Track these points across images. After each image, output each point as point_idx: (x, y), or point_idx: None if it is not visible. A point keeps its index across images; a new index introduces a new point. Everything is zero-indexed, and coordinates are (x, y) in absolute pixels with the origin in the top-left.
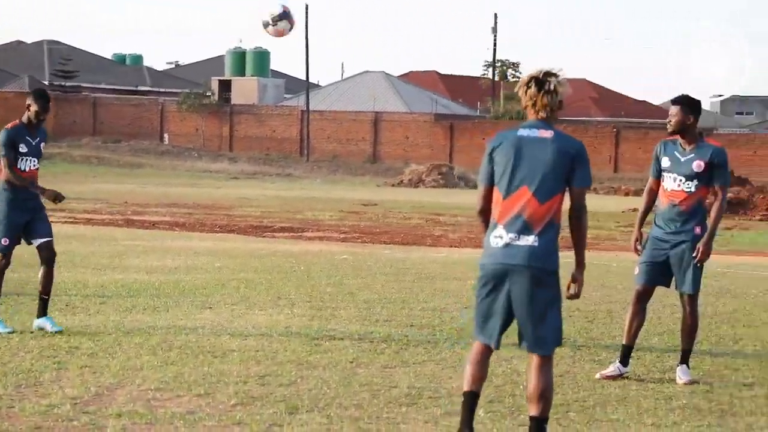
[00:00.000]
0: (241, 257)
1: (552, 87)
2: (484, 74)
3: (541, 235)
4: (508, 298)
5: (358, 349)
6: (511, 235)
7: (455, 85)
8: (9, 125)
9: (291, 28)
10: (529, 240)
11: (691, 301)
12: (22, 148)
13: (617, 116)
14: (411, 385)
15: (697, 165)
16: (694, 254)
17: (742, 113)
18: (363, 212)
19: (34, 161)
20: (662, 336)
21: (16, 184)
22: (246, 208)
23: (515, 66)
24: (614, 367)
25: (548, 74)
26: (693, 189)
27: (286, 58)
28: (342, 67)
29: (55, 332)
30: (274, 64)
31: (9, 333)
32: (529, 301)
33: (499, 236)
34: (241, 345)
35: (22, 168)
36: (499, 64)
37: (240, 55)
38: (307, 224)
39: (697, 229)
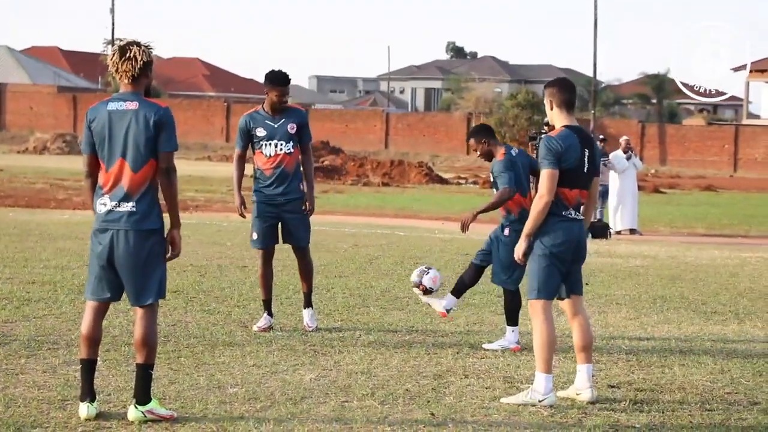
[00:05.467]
0: None
1: (132, 54)
2: (104, 51)
3: (139, 201)
4: (112, 258)
5: None
6: (113, 202)
7: (77, 60)
8: None
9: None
10: (128, 206)
11: (305, 251)
12: None
13: (228, 92)
14: (31, 338)
15: (291, 127)
16: (304, 208)
17: (335, 91)
18: None
19: None
20: None
21: None
22: None
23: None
24: (265, 320)
25: (131, 43)
26: (292, 150)
27: None
28: None
29: None
30: None
31: None
32: (131, 259)
33: (103, 203)
34: None
35: None
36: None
37: None
38: None
39: (301, 187)
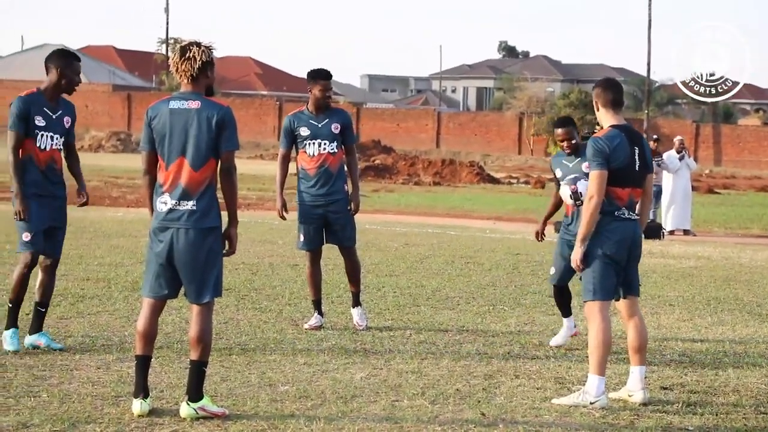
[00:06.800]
0: None
1: (192, 54)
2: (158, 50)
3: (199, 199)
4: (172, 257)
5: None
6: (174, 201)
7: (131, 59)
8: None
9: None
10: (189, 205)
11: (351, 251)
12: (39, 121)
13: (280, 91)
14: (85, 334)
15: (335, 127)
16: (349, 208)
17: (387, 90)
18: None
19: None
20: None
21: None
22: None
23: None
24: (316, 319)
25: (192, 43)
26: (335, 150)
27: None
28: (22, 40)
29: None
30: None
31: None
32: (190, 257)
33: (164, 202)
34: None
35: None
36: (171, 41)
37: None
38: None
39: (345, 187)
